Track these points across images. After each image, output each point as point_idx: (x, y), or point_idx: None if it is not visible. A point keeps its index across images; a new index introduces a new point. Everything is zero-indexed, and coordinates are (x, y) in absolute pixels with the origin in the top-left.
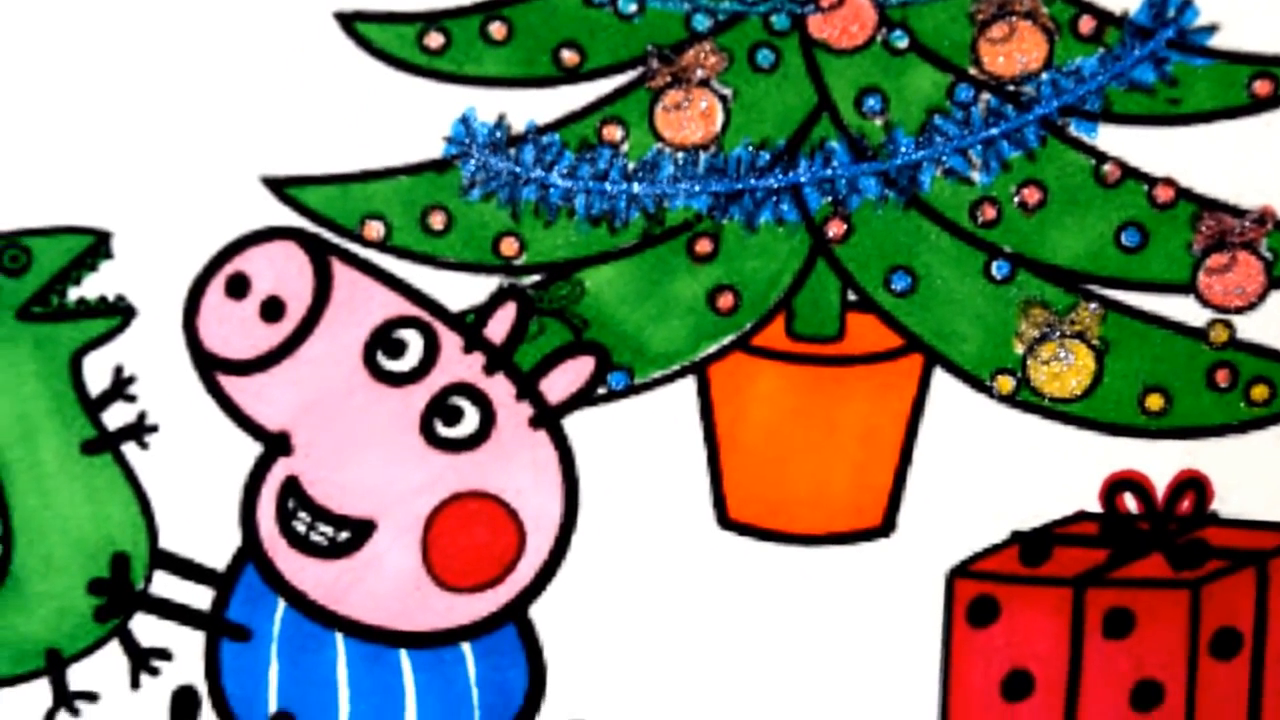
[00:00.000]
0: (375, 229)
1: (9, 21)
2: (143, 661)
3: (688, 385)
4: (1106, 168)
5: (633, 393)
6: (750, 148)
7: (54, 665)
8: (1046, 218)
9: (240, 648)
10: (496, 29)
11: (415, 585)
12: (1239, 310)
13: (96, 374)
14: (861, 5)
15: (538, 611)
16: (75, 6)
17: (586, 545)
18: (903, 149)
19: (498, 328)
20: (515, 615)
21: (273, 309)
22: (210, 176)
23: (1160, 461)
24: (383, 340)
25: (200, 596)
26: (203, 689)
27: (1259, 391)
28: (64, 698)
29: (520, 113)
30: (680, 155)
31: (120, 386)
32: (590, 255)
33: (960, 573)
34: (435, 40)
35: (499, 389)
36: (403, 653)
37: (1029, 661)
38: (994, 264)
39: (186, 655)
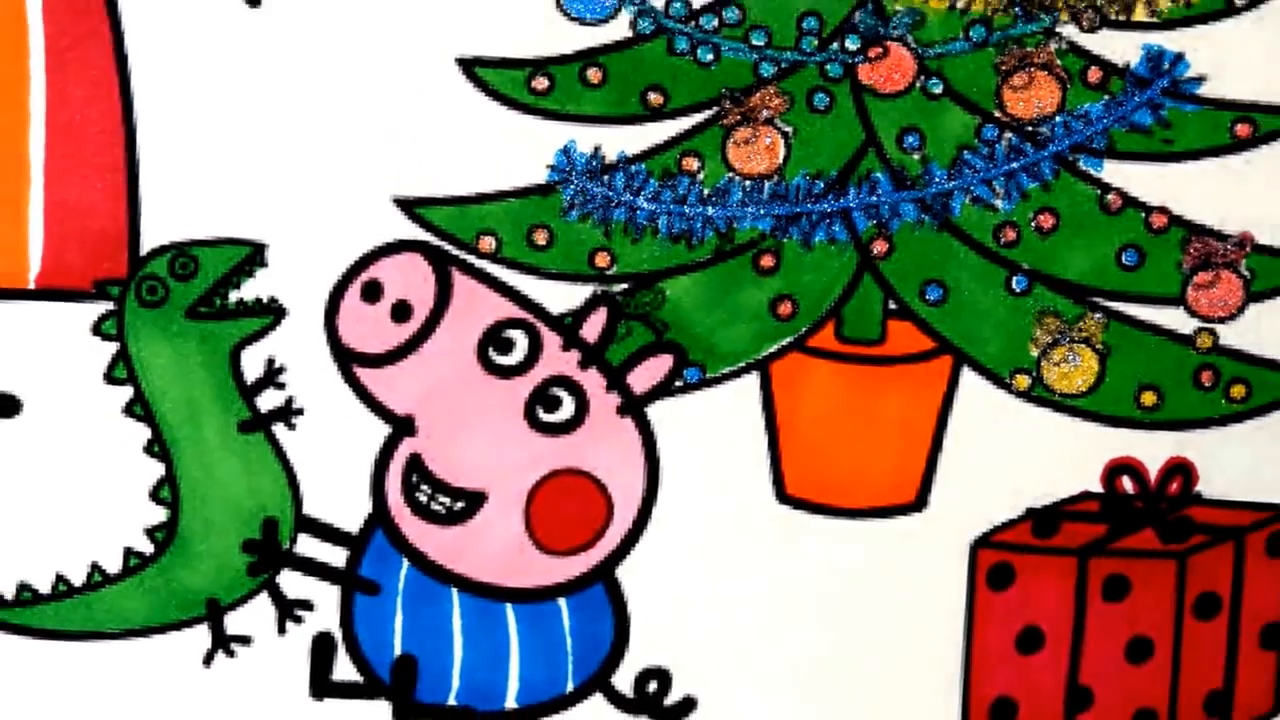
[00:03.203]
0: (488, 243)
1: (188, 72)
2: (288, 611)
3: (752, 380)
4: (1110, 197)
5: (705, 386)
6: (807, 177)
7: (213, 613)
8: (1059, 240)
9: (370, 600)
10: (593, 74)
11: (519, 549)
12: (1221, 320)
13: (252, 365)
14: (903, 56)
15: (623, 572)
16: (236, 58)
17: (665, 516)
18: (937, 179)
19: (591, 329)
20: (604, 575)
21: (401, 311)
22: (350, 198)
23: (1153, 449)
24: (493, 338)
25: (337, 556)
26: (338, 635)
27: (1237, 390)
28: (221, 640)
29: (613, 145)
30: (748, 183)
31: (272, 376)
32: (670, 267)
33: (982, 543)
34: (541, 83)
35: (592, 381)
36: (508, 606)
37: (1040, 620)
38: (1014, 279)
39: (325, 606)
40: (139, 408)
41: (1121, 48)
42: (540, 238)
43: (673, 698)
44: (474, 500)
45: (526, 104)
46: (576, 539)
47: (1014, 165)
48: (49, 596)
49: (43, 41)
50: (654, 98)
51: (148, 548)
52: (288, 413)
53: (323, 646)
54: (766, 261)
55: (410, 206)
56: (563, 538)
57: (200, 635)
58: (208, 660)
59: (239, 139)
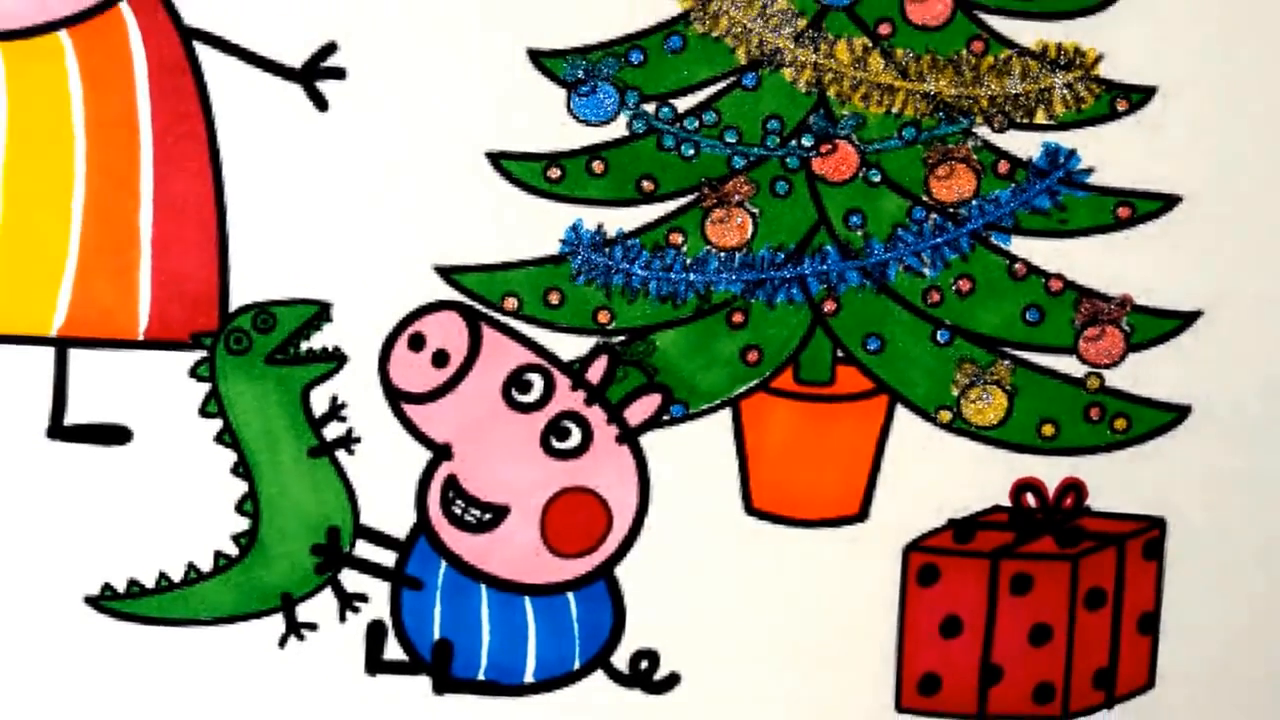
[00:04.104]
0: (511, 303)
1: (268, 162)
2: (348, 602)
3: (725, 415)
4: (1016, 266)
5: (688, 419)
6: (771, 249)
7: (287, 604)
8: (974, 300)
9: (415, 594)
10: (597, 165)
11: (536, 552)
12: (1107, 366)
13: (319, 401)
14: (849, 151)
15: (621, 571)
16: (308, 151)
17: (655, 525)
18: (876, 251)
19: (595, 373)
20: (605, 574)
21: (440, 358)
22: (399, 266)
23: (1051, 471)
24: (515, 380)
25: (387, 558)
26: (389, 622)
27: (1120, 423)
28: (293, 627)
29: (613, 223)
30: (722, 254)
31: (335, 410)
32: (659, 323)
33: (912, 548)
34: (554, 173)
35: (595, 415)
36: (527, 599)
37: (959, 610)
38: (938, 333)
39: (378, 598)
40: (227, 437)
41: (1025, 145)
42: (553, 298)
43: (660, 674)
44: (499, 513)
45: (543, 189)
46: (582, 544)
47: (938, 240)
48: (153, 590)
49: (151, 138)
50: (646, 184)
51: (234, 551)
52: (348, 441)
53: (376, 632)
54: (737, 318)
55: (448, 273)
56: (571, 543)
57: (276, 622)
58: (282, 643)
59: (309, 216)
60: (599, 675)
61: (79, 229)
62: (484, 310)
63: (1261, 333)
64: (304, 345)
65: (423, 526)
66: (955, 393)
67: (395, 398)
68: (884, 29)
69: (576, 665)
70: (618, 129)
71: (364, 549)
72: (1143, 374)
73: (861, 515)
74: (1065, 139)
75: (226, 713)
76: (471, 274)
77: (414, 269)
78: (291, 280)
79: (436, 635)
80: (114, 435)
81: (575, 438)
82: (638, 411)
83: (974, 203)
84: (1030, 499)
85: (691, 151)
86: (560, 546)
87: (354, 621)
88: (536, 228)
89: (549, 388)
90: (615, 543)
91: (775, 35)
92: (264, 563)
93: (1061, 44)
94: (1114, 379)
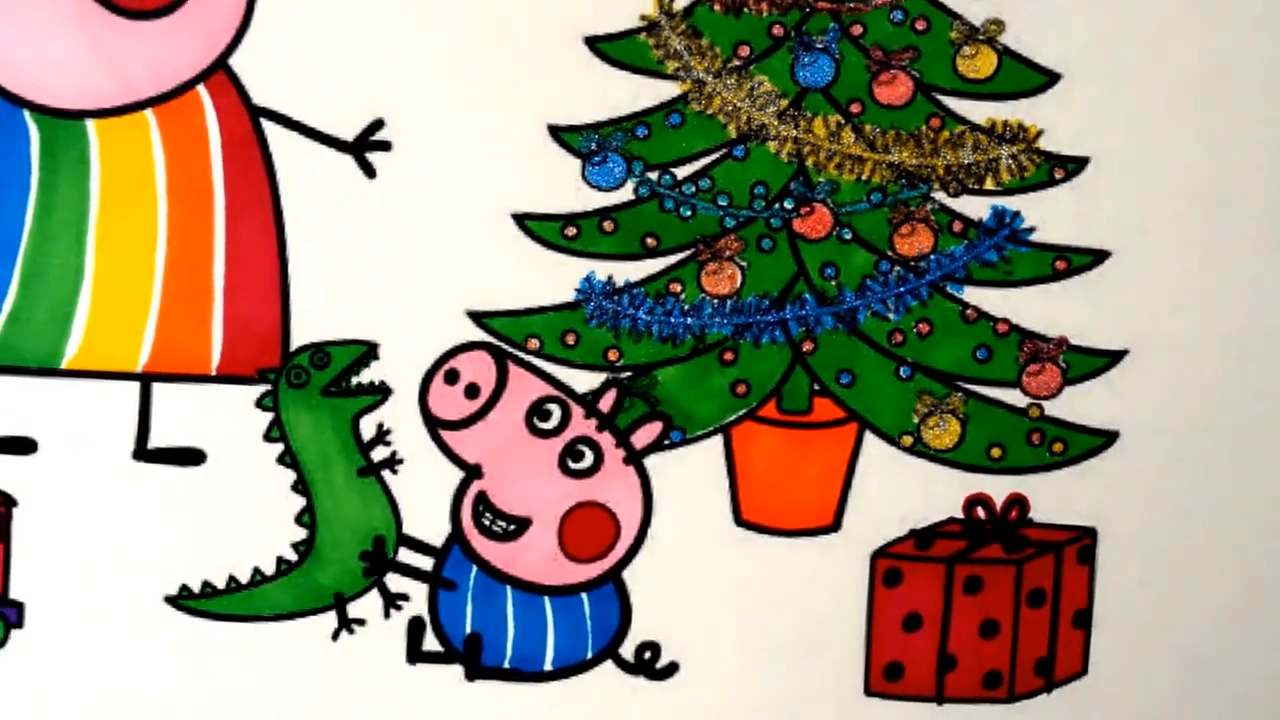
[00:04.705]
0: (534, 343)
1: (324, 222)
2: (392, 601)
3: (718, 439)
4: (968, 311)
5: (685, 444)
6: (757, 297)
7: (339, 603)
8: (932, 341)
9: (449, 594)
10: (607, 225)
11: (554, 558)
12: (1046, 398)
13: (367, 428)
14: (825, 213)
15: (628, 575)
16: (358, 213)
17: (657, 535)
18: (848, 299)
19: (605, 403)
20: (614, 577)
21: (472, 390)
22: (436, 311)
23: (999, 487)
24: (537, 410)
25: (426, 563)
26: (427, 618)
27: (1058, 447)
28: (344, 622)
29: (621, 274)
30: (715, 301)
31: (381, 436)
32: (661, 360)
33: (879, 554)
34: (571, 231)
35: (606, 440)
36: (546, 599)
37: (920, 607)
38: (901, 369)
39: (418, 598)
40: (288, 458)
41: (976, 207)
42: (570, 339)
43: (661, 663)
44: (522, 524)
45: (560, 245)
46: (594, 551)
47: (901, 289)
48: (223, 591)
49: (223, 201)
50: (650, 241)
51: (293, 557)
52: (392, 462)
53: (416, 627)
54: (728, 356)
55: (479, 317)
56: (585, 550)
57: (329, 619)
58: (335, 636)
59: (359, 268)
60: (608, 664)
61: (161, 279)
62: (510, 349)
63: (1179, 368)
64: (354, 380)
65: (456, 536)
66: (916, 420)
67: (433, 425)
68: (855, 108)
69: (589, 655)
70: (625, 194)
71: (406, 555)
72: (1077, 404)
73: (835, 526)
74: (1011, 202)
75: (286, 697)
76: (499, 318)
77: (449, 314)
78: (343, 323)
79: (468, 629)
80: (190, 457)
81: (588, 459)
82: (642, 437)
83: (932, 257)
84: (980, 512)
85: (689, 213)
86: (575, 553)
87: (397, 618)
88: (555, 278)
89: (566, 416)
90: (623, 550)
91: (761, 113)
92: (319, 567)
93: (1007, 121)
94: (1052, 409)
